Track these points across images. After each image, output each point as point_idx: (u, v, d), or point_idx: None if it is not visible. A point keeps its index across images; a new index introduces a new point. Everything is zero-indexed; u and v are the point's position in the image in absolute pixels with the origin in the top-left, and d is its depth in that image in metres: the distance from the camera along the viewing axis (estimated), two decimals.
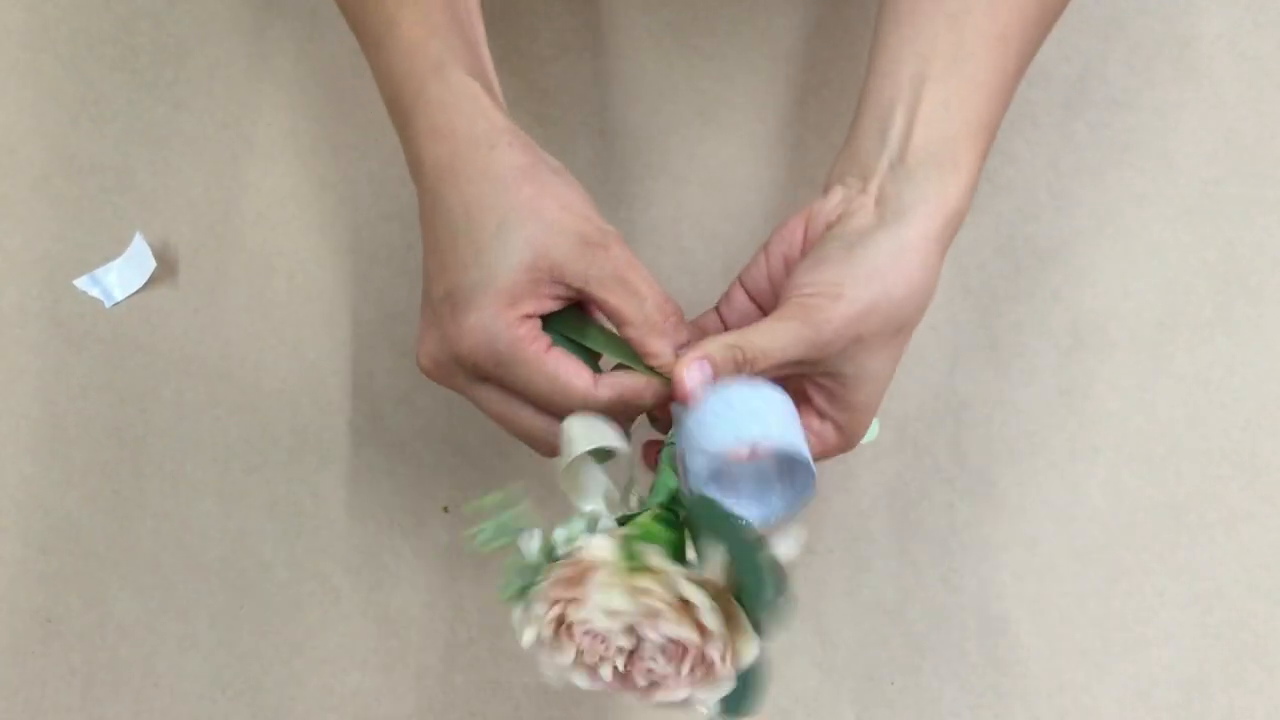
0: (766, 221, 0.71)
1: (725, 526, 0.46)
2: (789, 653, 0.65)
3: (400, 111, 0.55)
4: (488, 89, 0.54)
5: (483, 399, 0.53)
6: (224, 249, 0.70)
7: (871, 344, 0.52)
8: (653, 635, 0.45)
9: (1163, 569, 0.66)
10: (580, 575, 0.45)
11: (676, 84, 0.72)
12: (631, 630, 0.45)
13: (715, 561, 0.46)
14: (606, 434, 0.50)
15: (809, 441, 0.52)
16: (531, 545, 0.48)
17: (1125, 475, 0.67)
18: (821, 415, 0.54)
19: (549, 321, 0.53)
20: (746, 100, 0.72)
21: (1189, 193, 0.71)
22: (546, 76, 0.72)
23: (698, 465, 0.49)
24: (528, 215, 0.51)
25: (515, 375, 0.51)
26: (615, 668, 0.46)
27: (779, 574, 0.45)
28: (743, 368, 0.50)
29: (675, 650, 0.45)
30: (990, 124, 0.56)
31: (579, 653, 0.46)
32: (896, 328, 0.53)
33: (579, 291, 0.52)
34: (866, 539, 0.66)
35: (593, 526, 0.48)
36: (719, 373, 0.50)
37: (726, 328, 0.57)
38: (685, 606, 0.45)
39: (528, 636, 0.47)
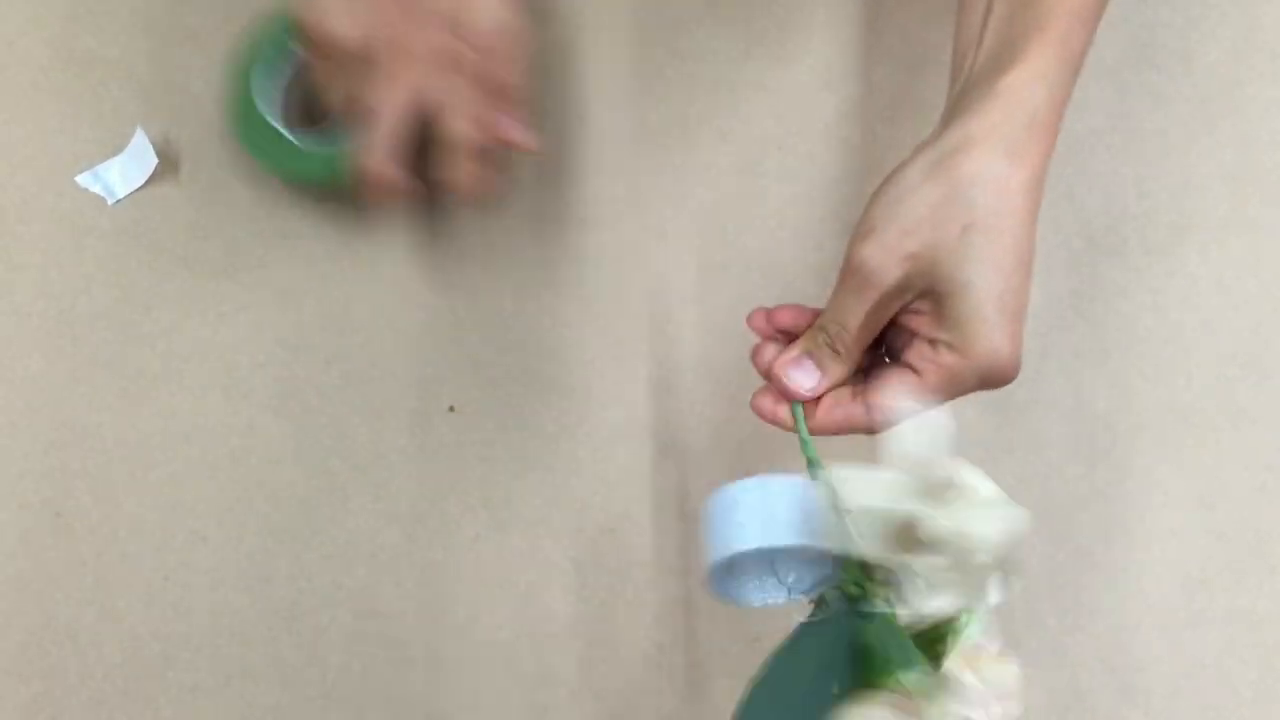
0: (777, 122, 0.70)
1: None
2: None
3: None
4: None
5: None
6: (227, 145, 0.70)
7: (947, 258, 0.50)
8: None
9: (1168, 469, 0.66)
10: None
11: None
12: None
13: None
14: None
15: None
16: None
17: (1133, 376, 0.67)
18: (932, 342, 0.52)
19: None
20: None
21: (1207, 92, 0.70)
22: None
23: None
24: None
25: None
26: None
27: None
28: (837, 349, 0.52)
29: None
30: (1063, 31, 0.53)
31: None
32: (962, 227, 0.50)
33: None
34: (871, 441, 0.66)
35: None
36: (819, 365, 0.52)
37: None
38: None
39: None
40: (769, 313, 0.56)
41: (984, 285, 0.50)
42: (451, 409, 0.67)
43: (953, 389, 0.51)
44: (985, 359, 0.50)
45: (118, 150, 0.69)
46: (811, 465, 0.51)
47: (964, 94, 0.53)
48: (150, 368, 0.67)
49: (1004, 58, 0.52)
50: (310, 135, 0.65)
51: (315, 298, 0.68)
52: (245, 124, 0.65)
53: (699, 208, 0.69)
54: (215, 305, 0.68)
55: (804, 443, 0.52)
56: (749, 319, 0.55)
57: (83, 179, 0.69)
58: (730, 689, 0.63)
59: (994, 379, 0.51)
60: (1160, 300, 0.68)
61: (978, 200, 0.50)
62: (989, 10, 0.54)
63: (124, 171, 0.69)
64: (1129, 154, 0.69)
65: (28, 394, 0.66)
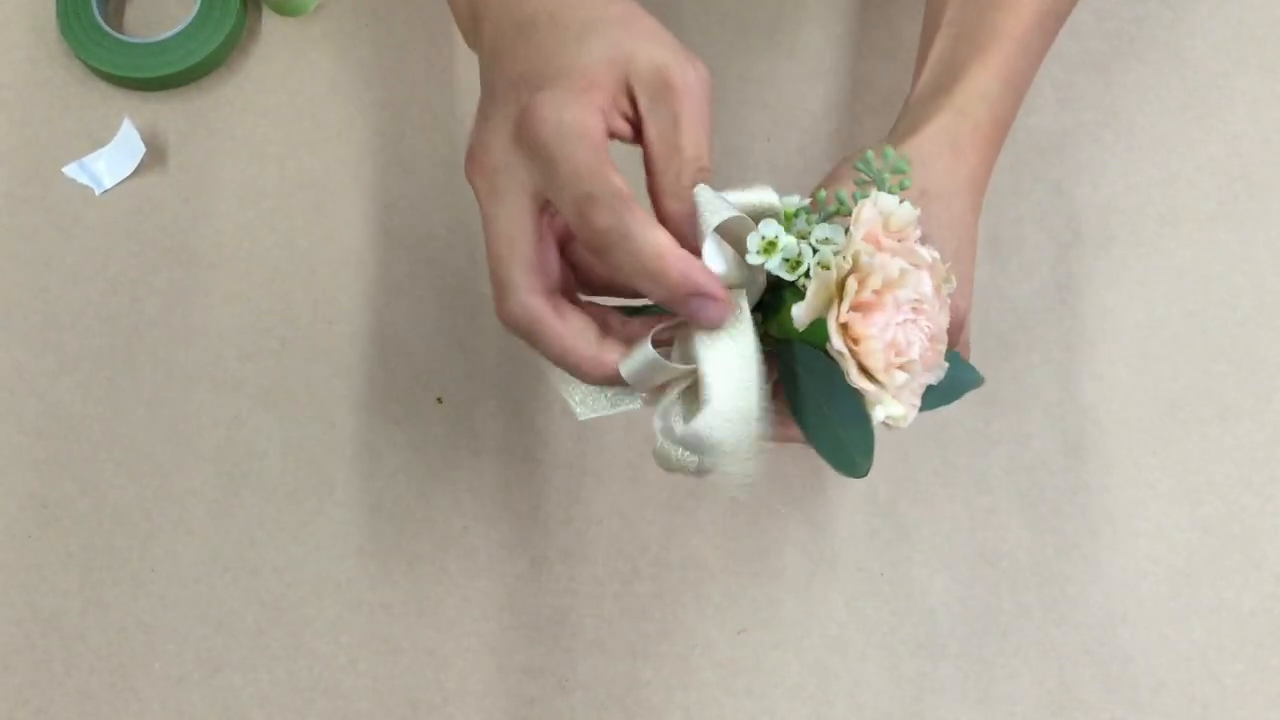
0: (764, 111, 0.70)
1: None
2: (779, 542, 0.65)
3: None
4: None
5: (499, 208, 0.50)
6: (214, 136, 0.70)
7: None
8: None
9: (1154, 463, 0.66)
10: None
11: None
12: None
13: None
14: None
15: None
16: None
17: (1120, 370, 0.67)
18: None
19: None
20: None
21: (1195, 85, 0.70)
22: None
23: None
24: (615, 25, 0.51)
25: (563, 162, 0.48)
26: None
27: None
28: None
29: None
30: (1006, 56, 0.56)
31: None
32: (920, 190, 0.53)
33: (637, 117, 0.50)
34: None
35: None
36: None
37: None
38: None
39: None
40: None
41: (939, 244, 0.51)
42: (439, 400, 0.67)
43: None
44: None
45: (105, 141, 0.69)
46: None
47: (910, 107, 0.57)
48: (136, 359, 0.67)
49: (944, 81, 0.56)
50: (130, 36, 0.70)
51: (302, 288, 0.68)
52: (75, 22, 0.70)
53: None
54: (202, 296, 0.68)
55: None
56: None
57: (70, 170, 0.69)
58: (716, 680, 0.64)
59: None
60: (1147, 293, 0.68)
61: (931, 172, 0.54)
62: (935, 33, 0.58)
63: (111, 162, 0.69)
64: (1117, 147, 0.69)
65: (14, 384, 0.66)
